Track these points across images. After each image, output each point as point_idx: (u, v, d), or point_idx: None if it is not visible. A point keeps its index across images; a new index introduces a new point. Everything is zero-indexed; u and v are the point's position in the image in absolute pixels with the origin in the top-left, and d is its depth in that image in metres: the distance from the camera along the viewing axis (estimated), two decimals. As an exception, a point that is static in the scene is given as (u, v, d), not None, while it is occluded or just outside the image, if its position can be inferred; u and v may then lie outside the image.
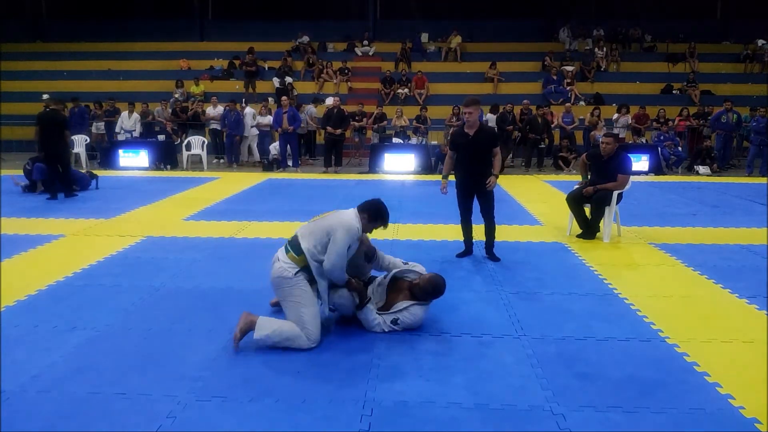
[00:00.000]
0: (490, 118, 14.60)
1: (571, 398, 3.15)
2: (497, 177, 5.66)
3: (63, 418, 2.93)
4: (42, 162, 9.37)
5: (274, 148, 13.54)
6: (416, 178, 12.07)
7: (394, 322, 3.97)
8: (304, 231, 3.90)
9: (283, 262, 3.85)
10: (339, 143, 13.28)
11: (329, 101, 14.66)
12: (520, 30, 21.11)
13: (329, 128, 13.06)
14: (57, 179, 9.20)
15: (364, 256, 4.18)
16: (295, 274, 3.80)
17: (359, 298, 4.00)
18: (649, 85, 17.96)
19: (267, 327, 3.72)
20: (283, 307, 3.91)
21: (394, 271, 4.21)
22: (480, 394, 3.20)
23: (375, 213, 3.98)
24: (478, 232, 6.01)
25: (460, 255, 5.95)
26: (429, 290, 4.03)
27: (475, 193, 5.78)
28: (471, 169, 5.67)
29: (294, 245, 3.87)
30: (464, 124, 5.68)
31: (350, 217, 3.88)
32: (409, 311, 3.98)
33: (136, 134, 14.00)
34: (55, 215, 7.88)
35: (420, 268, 4.30)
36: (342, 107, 13.75)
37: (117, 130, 14.08)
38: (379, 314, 4.00)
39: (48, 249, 6.20)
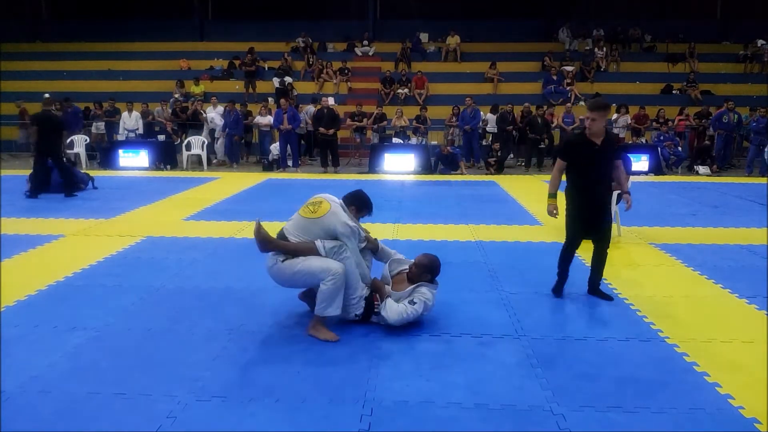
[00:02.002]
0: (490, 118, 14.66)
1: (571, 398, 3.15)
2: (628, 192, 4.77)
3: (63, 418, 2.93)
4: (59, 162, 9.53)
5: (275, 148, 13.55)
6: (416, 178, 12.07)
7: (411, 303, 4.01)
8: (292, 229, 4.01)
9: (271, 255, 3.99)
10: (333, 143, 13.31)
11: (326, 101, 14.67)
12: (520, 30, 21.10)
13: (321, 129, 13.08)
14: (43, 178, 9.34)
15: (369, 251, 4.32)
16: (283, 261, 3.92)
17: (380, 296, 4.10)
18: (648, 85, 17.95)
19: (324, 306, 3.84)
20: (302, 278, 3.92)
21: (388, 262, 4.37)
22: (480, 394, 3.20)
23: (361, 204, 4.18)
24: (478, 232, 5.98)
25: (558, 288, 4.79)
26: (426, 264, 4.14)
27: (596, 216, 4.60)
28: (597, 187, 4.53)
29: (280, 235, 4.00)
30: (583, 130, 4.63)
31: (344, 217, 3.97)
32: (419, 291, 4.07)
33: (140, 131, 14.01)
34: (55, 215, 7.88)
35: (403, 258, 4.45)
36: (332, 107, 13.78)
37: (120, 131, 14.09)
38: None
39: (48, 249, 6.20)
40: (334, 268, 3.83)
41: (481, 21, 21.23)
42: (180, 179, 11.55)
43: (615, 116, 14.42)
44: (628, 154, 7.02)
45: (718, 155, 13.43)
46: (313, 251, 3.90)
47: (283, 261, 3.92)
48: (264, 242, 3.93)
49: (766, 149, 12.71)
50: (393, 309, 3.96)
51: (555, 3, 21.59)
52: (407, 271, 4.26)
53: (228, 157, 13.98)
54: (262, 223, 3.93)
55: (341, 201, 4.13)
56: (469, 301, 4.64)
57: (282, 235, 4.00)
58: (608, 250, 4.68)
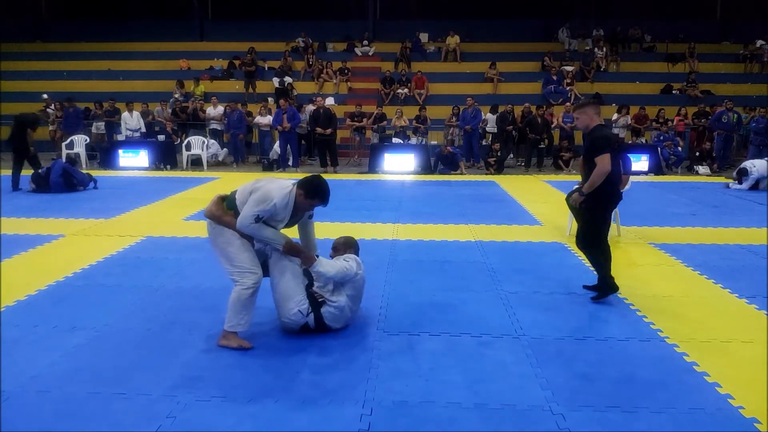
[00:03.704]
0: (490, 118, 14.66)
1: (571, 398, 3.15)
2: (582, 194, 4.48)
3: (63, 418, 2.93)
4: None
5: (275, 148, 13.55)
6: (416, 178, 12.07)
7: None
8: (239, 190, 3.83)
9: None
10: (331, 143, 13.32)
11: (321, 101, 14.66)
12: (520, 30, 21.11)
13: (318, 129, 13.10)
14: (18, 172, 9.95)
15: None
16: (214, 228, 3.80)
17: (305, 260, 3.83)
18: (648, 85, 17.95)
19: (227, 321, 3.73)
20: (218, 260, 3.84)
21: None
22: (480, 393, 3.20)
23: (311, 190, 3.71)
24: (478, 232, 5.98)
25: (589, 287, 4.85)
26: (342, 241, 4.25)
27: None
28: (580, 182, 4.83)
29: (230, 200, 3.82)
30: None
31: (278, 189, 3.67)
32: (347, 255, 4.05)
33: (142, 130, 14.01)
34: (55, 215, 7.88)
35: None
36: (329, 107, 13.79)
37: (122, 131, 14.09)
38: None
39: (48, 249, 6.20)
40: (246, 276, 3.66)
41: (481, 21, 21.23)
42: (180, 179, 11.55)
43: (615, 116, 14.42)
44: (628, 154, 7.02)
45: (718, 155, 13.43)
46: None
47: (214, 228, 3.78)
48: (215, 218, 3.77)
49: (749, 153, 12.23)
50: (331, 263, 3.87)
51: (555, 3, 21.59)
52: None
53: (233, 156, 14.02)
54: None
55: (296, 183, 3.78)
56: (469, 301, 4.63)
57: (233, 194, 3.83)
58: (603, 250, 4.59)
